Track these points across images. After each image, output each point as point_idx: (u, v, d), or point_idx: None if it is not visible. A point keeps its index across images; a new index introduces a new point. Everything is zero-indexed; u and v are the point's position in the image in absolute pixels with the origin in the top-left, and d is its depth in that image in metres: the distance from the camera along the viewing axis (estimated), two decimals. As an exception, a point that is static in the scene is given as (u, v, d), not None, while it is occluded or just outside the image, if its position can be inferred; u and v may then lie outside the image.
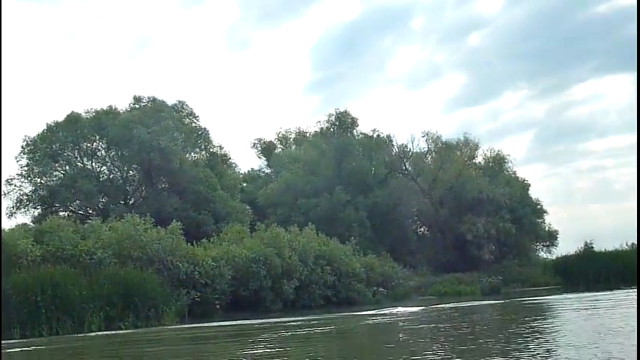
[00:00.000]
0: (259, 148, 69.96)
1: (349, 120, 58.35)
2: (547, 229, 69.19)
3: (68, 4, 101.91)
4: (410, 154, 54.71)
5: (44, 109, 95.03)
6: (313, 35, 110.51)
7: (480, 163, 53.82)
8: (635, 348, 10.33)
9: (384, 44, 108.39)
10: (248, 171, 68.65)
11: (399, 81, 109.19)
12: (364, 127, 58.94)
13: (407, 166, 54.75)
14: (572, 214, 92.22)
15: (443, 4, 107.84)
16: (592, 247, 60.88)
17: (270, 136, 69.69)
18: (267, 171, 68.11)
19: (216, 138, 69.88)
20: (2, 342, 20.21)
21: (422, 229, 55.71)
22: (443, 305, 33.59)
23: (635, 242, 58.99)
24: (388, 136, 57.44)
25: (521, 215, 51.64)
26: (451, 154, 52.82)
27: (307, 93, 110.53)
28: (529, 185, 68.91)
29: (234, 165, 70.42)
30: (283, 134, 69.87)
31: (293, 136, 69.23)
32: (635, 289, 38.01)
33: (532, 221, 52.30)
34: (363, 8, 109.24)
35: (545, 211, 68.94)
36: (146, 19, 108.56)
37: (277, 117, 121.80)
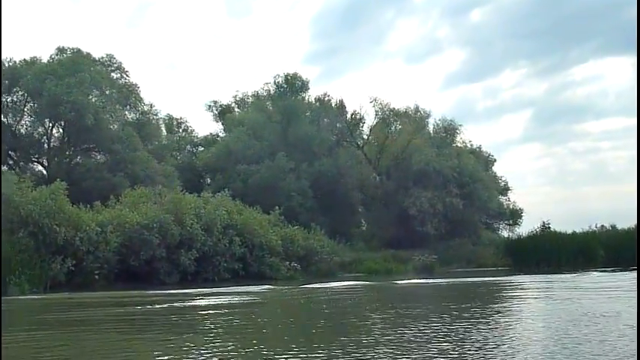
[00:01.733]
0: (214, 112, 66.08)
1: (299, 83, 54.54)
2: (511, 207, 66.58)
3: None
4: (359, 121, 51.02)
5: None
6: (314, 6, 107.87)
7: (430, 133, 50.02)
8: None
9: (386, 17, 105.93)
10: (205, 135, 65.02)
11: (398, 54, 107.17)
12: (316, 91, 55.27)
13: (354, 134, 51.06)
14: (566, 196, 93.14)
15: None
16: (549, 228, 57.82)
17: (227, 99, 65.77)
18: (223, 135, 64.51)
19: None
20: None
21: (367, 201, 52.16)
22: (338, 284, 30.69)
23: (599, 226, 56.51)
24: (341, 102, 53.70)
25: (471, 190, 48.07)
26: (400, 123, 49.13)
27: (306, 64, 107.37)
28: (494, 160, 65.81)
29: (189, 128, 67.41)
30: (240, 97, 65.99)
31: (251, 99, 65.32)
32: (582, 273, 35.25)
33: (483, 197, 48.71)
34: None
35: (509, 189, 65.88)
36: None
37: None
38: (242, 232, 35.19)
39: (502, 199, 65.40)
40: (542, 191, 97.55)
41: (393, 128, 49.59)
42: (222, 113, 62.25)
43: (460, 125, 49.97)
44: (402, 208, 47.06)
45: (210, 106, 64.86)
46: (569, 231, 49.53)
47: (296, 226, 40.00)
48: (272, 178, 49.58)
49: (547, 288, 27.30)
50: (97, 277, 29.65)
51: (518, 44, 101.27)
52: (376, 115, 49.47)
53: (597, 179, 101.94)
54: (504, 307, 19.49)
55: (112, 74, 46.39)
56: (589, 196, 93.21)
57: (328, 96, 53.89)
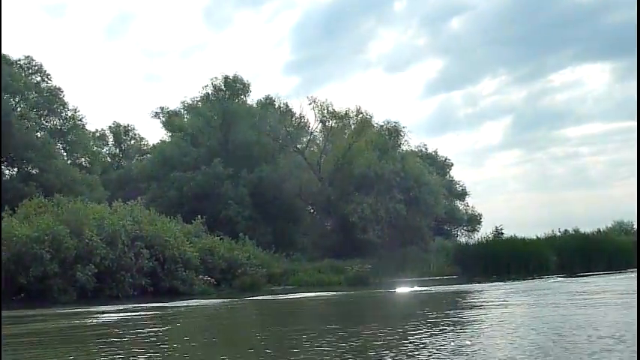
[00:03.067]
0: (161, 118, 63.25)
1: (239, 85, 51.93)
2: (469, 212, 64.45)
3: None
4: (304, 125, 48.48)
5: None
6: (294, 16, 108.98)
7: (372, 136, 47.45)
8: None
9: (366, 26, 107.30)
10: (155, 144, 62.18)
11: (379, 63, 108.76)
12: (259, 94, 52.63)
13: (295, 139, 48.47)
14: (547, 200, 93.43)
15: None
16: (502, 233, 55.55)
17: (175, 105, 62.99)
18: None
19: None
20: None
21: (310, 208, 49.61)
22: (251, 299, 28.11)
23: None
24: (285, 105, 51.16)
25: (416, 195, 45.61)
26: (341, 126, 46.63)
27: (287, 74, 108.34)
28: (451, 164, 63.79)
29: (137, 136, 64.63)
30: (189, 103, 63.23)
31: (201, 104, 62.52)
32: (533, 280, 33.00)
33: (429, 202, 46.24)
34: None
35: (467, 193, 63.85)
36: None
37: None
38: (152, 244, 32.42)
39: (460, 204, 63.62)
40: (524, 197, 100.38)
41: (333, 131, 46.91)
42: (171, 120, 59.47)
43: (404, 127, 47.43)
44: (344, 215, 44.49)
45: (157, 113, 62.07)
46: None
47: (219, 237, 37.29)
48: (208, 186, 47.02)
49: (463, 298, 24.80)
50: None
51: (497, 52, 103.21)
52: (316, 118, 46.90)
53: (577, 184, 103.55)
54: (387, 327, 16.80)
55: (33, 77, 43.61)
56: (569, 201, 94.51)
57: (271, 99, 51.29)
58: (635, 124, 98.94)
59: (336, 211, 45.50)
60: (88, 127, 47.74)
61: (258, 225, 47.40)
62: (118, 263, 30.74)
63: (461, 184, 63.30)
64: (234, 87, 51.80)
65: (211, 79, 50.70)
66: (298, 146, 48.07)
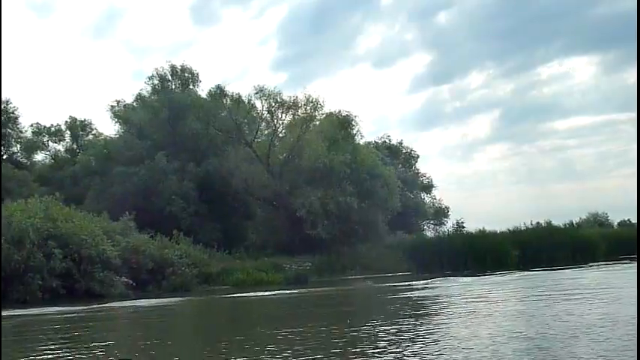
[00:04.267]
0: (115, 112, 60.55)
1: (187, 75, 49.54)
2: (437, 205, 62.28)
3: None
4: (250, 116, 46.04)
5: None
6: (281, 12, 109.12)
7: (322, 126, 45.05)
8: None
9: (353, 21, 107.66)
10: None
11: (367, 58, 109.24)
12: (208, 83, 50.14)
13: (244, 131, 46.10)
14: (535, 193, 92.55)
15: None
16: (463, 227, 53.50)
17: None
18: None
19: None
20: None
21: (259, 203, 47.29)
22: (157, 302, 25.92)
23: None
24: (237, 96, 48.59)
25: (369, 188, 43.33)
26: (289, 116, 44.36)
27: (274, 70, 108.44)
28: (417, 156, 61.57)
29: (96, 131, 62.05)
30: (143, 95, 60.69)
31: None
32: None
33: (382, 195, 43.96)
34: None
35: (433, 186, 61.67)
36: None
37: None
38: (67, 243, 30.12)
39: (426, 197, 61.48)
40: (513, 189, 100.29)
41: (282, 122, 44.69)
42: (118, 113, 56.89)
43: (355, 117, 45.07)
44: (293, 210, 42.25)
45: (112, 106, 59.42)
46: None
47: (148, 234, 35.04)
48: (152, 181, 44.67)
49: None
50: None
51: (484, 45, 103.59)
52: (263, 107, 44.53)
53: (565, 177, 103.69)
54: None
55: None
56: (558, 193, 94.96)
57: (222, 89, 48.80)
58: (622, 116, 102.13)
59: (285, 206, 43.24)
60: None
61: (205, 221, 45.15)
62: (26, 264, 28.45)
63: (427, 176, 61.12)
64: (183, 77, 49.34)
65: (156, 69, 48.30)
66: (248, 138, 45.57)
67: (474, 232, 47.56)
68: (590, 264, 40.12)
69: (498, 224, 48.63)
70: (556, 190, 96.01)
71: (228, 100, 48.00)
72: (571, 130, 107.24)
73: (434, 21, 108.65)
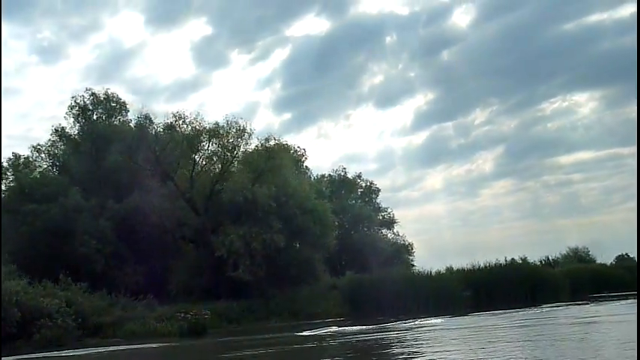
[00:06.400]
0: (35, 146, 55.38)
1: (113, 104, 45.81)
2: (400, 242, 57.78)
3: None
4: (169, 145, 41.89)
5: None
6: (285, 51, 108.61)
7: (247, 156, 40.94)
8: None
9: (357, 60, 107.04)
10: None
11: (370, 97, 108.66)
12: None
13: (165, 161, 41.95)
14: (541, 228, 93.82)
15: (415, 20, 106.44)
16: (413, 266, 49.24)
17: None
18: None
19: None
20: None
21: (182, 243, 43.04)
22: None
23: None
24: (169, 126, 44.51)
25: (300, 225, 39.05)
26: (212, 144, 40.29)
27: (279, 110, 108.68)
28: (378, 190, 57.36)
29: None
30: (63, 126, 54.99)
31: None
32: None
33: (315, 233, 39.61)
34: (335, 24, 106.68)
35: (395, 221, 57.23)
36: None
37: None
38: None
39: (387, 233, 57.11)
40: (518, 225, 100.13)
41: (202, 152, 40.63)
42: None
43: (298, 147, 41.06)
44: (214, 249, 38.05)
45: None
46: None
47: (22, 280, 30.83)
48: (64, 220, 40.57)
49: None
50: None
51: (487, 82, 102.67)
52: (183, 136, 40.42)
53: (570, 211, 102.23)
54: None
55: None
56: (563, 228, 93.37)
57: (150, 119, 44.97)
58: (626, 150, 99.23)
59: (208, 246, 38.98)
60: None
61: (124, 264, 41.05)
62: None
63: (388, 211, 56.66)
64: (108, 106, 45.60)
65: (73, 97, 44.50)
66: (169, 172, 41.50)
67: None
68: (546, 304, 35.53)
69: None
70: (562, 225, 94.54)
71: (155, 129, 44.14)
72: (575, 165, 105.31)
73: (437, 59, 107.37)
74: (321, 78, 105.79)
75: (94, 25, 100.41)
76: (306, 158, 54.05)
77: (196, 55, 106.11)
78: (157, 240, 42.26)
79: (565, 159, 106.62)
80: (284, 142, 48.42)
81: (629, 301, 34.23)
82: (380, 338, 22.36)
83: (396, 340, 21.23)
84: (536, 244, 76.33)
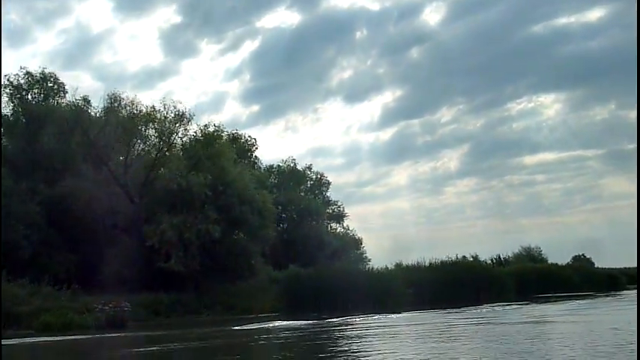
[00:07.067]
0: None
1: (50, 85, 43.65)
2: (350, 236, 56.77)
3: None
4: (105, 129, 40.06)
5: None
6: (255, 43, 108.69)
7: (187, 141, 39.28)
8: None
9: (327, 55, 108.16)
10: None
11: (339, 92, 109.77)
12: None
13: (101, 146, 40.14)
14: (504, 228, 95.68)
15: (386, 16, 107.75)
16: (370, 261, 48.13)
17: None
18: None
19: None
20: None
21: (117, 231, 41.19)
22: None
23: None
24: (107, 108, 42.53)
25: (238, 215, 37.57)
26: (148, 128, 38.52)
27: (247, 102, 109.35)
28: (328, 182, 56.16)
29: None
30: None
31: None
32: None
33: (253, 224, 38.16)
34: (306, 18, 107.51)
35: (345, 215, 56.12)
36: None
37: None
38: None
39: (337, 226, 56.00)
40: (481, 223, 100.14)
41: (138, 137, 38.80)
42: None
43: (236, 132, 39.49)
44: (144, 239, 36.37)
45: None
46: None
47: None
48: (-7, 203, 38.40)
49: None
50: None
51: (455, 81, 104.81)
52: (118, 120, 38.58)
53: (533, 211, 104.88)
54: None
55: None
56: (525, 228, 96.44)
57: (88, 101, 43.01)
58: (589, 152, 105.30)
59: (139, 235, 37.26)
60: None
61: (55, 251, 39.11)
62: None
63: (338, 204, 55.48)
64: (45, 87, 43.44)
65: (6, 76, 42.27)
66: (105, 157, 39.66)
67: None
68: (485, 304, 34.55)
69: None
70: (523, 225, 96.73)
71: (93, 112, 42.23)
72: (539, 166, 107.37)
73: (406, 56, 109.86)
74: (290, 71, 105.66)
75: (61, 9, 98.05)
76: (256, 148, 52.93)
77: (165, 43, 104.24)
78: (89, 227, 40.35)
79: (529, 159, 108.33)
80: (233, 132, 47.29)
81: (574, 302, 33.68)
82: (313, 334, 21.02)
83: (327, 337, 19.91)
84: (497, 243, 76.98)
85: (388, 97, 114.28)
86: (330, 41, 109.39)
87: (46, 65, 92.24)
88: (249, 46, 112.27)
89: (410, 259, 44.11)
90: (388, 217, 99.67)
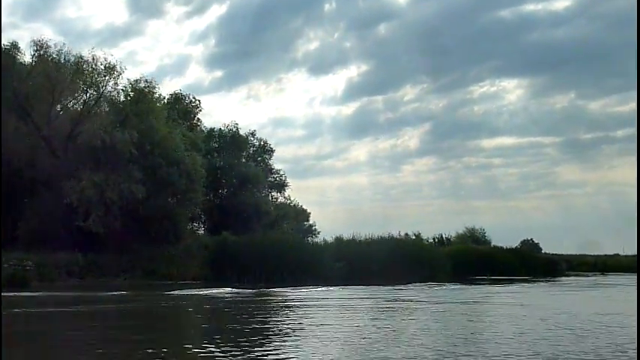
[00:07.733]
0: None
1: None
2: (293, 206, 55.53)
3: None
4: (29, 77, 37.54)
5: None
6: (223, 8, 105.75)
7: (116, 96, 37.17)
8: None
9: (294, 24, 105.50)
10: None
11: (304, 63, 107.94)
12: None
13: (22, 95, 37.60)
14: (458, 208, 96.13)
15: None
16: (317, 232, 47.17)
17: None
18: None
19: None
20: None
21: (37, 187, 39.01)
22: None
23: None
24: (39, 55, 39.76)
25: (164, 176, 35.82)
26: (73, 81, 36.21)
27: (210, 67, 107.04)
28: (272, 150, 54.44)
29: None
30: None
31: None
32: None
33: (180, 186, 36.45)
34: None
35: (286, 185, 54.60)
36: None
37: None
38: None
39: (278, 196, 54.56)
40: (437, 203, 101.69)
41: (63, 88, 36.44)
42: None
43: (178, 92, 37.46)
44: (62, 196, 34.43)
45: None
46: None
47: None
48: None
49: None
50: None
51: (420, 60, 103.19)
52: (43, 69, 36.11)
53: (487, 194, 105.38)
54: None
55: None
56: (479, 210, 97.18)
57: (17, 46, 40.34)
58: (547, 139, 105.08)
59: (59, 192, 35.27)
60: None
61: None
62: None
63: (280, 173, 53.89)
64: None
65: None
66: (27, 108, 37.28)
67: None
68: (416, 283, 33.79)
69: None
70: (478, 207, 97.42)
71: (23, 60, 39.66)
72: (497, 149, 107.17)
73: (374, 32, 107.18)
74: (256, 38, 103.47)
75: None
76: (199, 110, 50.89)
77: (131, 2, 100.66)
78: (7, 180, 38.18)
79: (487, 142, 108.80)
80: (177, 91, 45.35)
81: (507, 286, 33.26)
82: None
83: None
84: (451, 223, 77.35)
85: (353, 71, 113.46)
86: (298, 11, 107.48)
87: (6, 16, 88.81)
88: (217, 11, 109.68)
89: (364, 235, 43.32)
90: (346, 191, 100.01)
